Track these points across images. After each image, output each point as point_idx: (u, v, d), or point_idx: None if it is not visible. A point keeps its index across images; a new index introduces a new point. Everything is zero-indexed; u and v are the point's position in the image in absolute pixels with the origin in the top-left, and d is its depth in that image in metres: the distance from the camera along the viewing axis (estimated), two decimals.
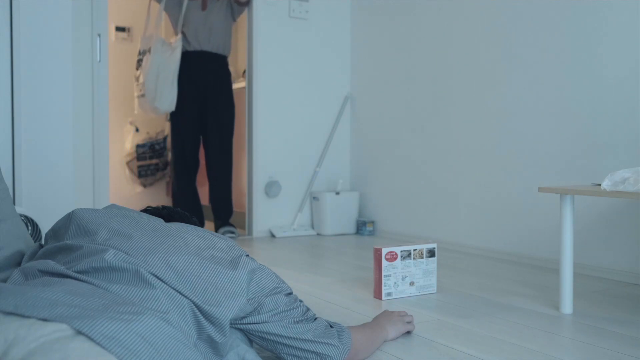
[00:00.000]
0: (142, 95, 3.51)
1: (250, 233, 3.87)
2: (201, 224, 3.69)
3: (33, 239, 2.11)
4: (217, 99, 3.70)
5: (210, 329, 1.12)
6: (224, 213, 3.77)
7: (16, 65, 2.57)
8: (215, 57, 3.68)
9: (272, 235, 3.84)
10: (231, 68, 3.95)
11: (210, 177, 3.79)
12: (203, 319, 1.10)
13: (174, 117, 3.72)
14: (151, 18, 3.75)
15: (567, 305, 1.96)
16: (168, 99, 3.47)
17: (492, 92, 3.11)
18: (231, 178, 3.82)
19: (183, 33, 3.62)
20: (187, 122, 3.69)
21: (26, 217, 2.13)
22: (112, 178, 4.44)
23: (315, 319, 1.34)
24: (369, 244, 3.53)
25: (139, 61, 3.63)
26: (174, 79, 3.48)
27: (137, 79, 3.62)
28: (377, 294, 2.16)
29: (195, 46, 3.62)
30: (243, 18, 4.06)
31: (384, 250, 2.13)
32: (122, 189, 4.78)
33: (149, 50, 3.52)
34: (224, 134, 3.74)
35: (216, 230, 3.73)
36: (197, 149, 3.78)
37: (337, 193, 3.91)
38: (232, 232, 3.69)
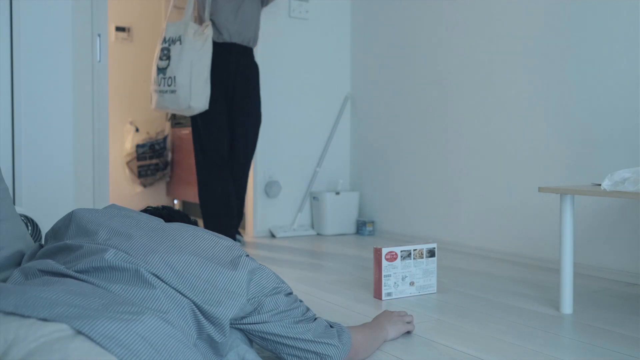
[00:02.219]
0: (172, 92, 3.10)
1: (250, 233, 3.87)
2: (237, 226, 3.40)
3: (33, 239, 2.11)
4: (246, 96, 3.35)
5: (210, 329, 1.12)
6: (237, 218, 3.47)
7: (16, 65, 2.57)
8: (244, 51, 3.33)
9: (272, 235, 3.84)
10: None
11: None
12: (203, 319, 1.10)
13: (200, 115, 3.27)
14: (172, 2, 3.42)
15: (567, 305, 1.96)
16: (203, 96, 3.12)
17: (492, 92, 3.11)
18: (247, 183, 3.54)
19: (212, 21, 3.23)
20: (216, 121, 3.27)
21: (26, 217, 2.13)
22: (112, 178, 4.44)
23: (315, 319, 1.34)
24: (369, 244, 3.53)
25: (164, 50, 3.16)
26: (208, 74, 3.13)
27: (163, 71, 3.15)
28: (377, 294, 2.16)
29: (225, 37, 3.24)
30: None
31: (384, 250, 2.13)
32: (122, 189, 4.79)
33: (179, 40, 3.12)
34: (250, 136, 3.40)
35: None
36: (227, 148, 3.41)
37: (337, 193, 3.91)
38: (239, 241, 3.45)
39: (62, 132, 2.74)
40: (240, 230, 3.63)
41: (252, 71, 3.38)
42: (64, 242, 1.18)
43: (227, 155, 3.33)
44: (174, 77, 3.09)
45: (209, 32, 3.13)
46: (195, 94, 3.09)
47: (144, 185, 4.86)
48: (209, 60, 3.12)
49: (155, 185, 4.93)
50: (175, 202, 5.00)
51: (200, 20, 3.27)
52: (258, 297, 1.22)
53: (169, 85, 3.12)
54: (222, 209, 3.28)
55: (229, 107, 3.32)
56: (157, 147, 4.80)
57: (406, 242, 2.57)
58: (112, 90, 4.40)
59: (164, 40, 3.19)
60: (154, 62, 3.19)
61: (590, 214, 2.63)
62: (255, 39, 3.37)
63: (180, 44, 3.11)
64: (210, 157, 3.28)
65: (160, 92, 3.15)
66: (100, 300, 0.94)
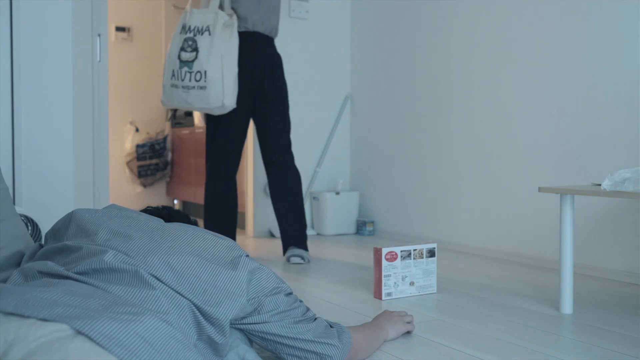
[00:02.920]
0: (202, 88, 2.81)
1: (250, 233, 3.87)
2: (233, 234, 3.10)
3: (33, 239, 2.11)
4: (274, 90, 3.06)
5: (210, 330, 1.12)
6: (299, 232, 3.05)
7: (16, 65, 2.57)
8: (267, 40, 3.07)
9: (272, 235, 3.84)
10: None
11: (274, 183, 3.07)
12: (203, 320, 1.10)
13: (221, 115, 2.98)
14: None
15: (567, 305, 1.96)
16: (234, 94, 2.86)
17: (492, 92, 3.11)
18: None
19: (233, 9, 2.96)
20: (237, 119, 2.99)
21: (26, 217, 2.13)
22: (112, 178, 4.44)
23: (315, 319, 1.34)
24: (369, 244, 3.53)
25: (189, 40, 2.85)
26: (237, 69, 2.88)
27: (189, 64, 2.84)
28: (377, 294, 2.16)
29: (249, 26, 2.98)
30: None
31: (384, 250, 2.13)
32: (122, 189, 4.79)
33: (208, 30, 2.84)
34: (287, 130, 3.09)
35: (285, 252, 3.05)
36: (242, 149, 3.12)
37: (337, 193, 3.91)
38: (302, 258, 2.92)
39: (62, 132, 2.73)
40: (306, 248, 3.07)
41: (277, 62, 3.12)
42: (64, 242, 1.18)
43: (239, 161, 3.10)
44: (205, 72, 2.80)
45: (234, 21, 2.89)
46: (228, 90, 2.83)
47: (144, 185, 4.86)
48: (237, 54, 2.88)
49: (155, 185, 4.93)
50: (175, 202, 5.01)
51: (220, 8, 2.98)
52: (258, 297, 1.22)
53: (197, 81, 2.82)
54: (224, 214, 3.07)
55: (253, 104, 3.04)
56: (157, 147, 4.80)
57: (406, 242, 2.57)
58: (112, 90, 4.40)
59: (188, 29, 2.88)
60: (171, 53, 2.88)
61: (590, 214, 2.63)
62: (276, 29, 3.15)
63: (210, 34, 2.83)
64: (220, 161, 3.03)
65: (185, 87, 2.84)
66: (100, 301, 0.94)
